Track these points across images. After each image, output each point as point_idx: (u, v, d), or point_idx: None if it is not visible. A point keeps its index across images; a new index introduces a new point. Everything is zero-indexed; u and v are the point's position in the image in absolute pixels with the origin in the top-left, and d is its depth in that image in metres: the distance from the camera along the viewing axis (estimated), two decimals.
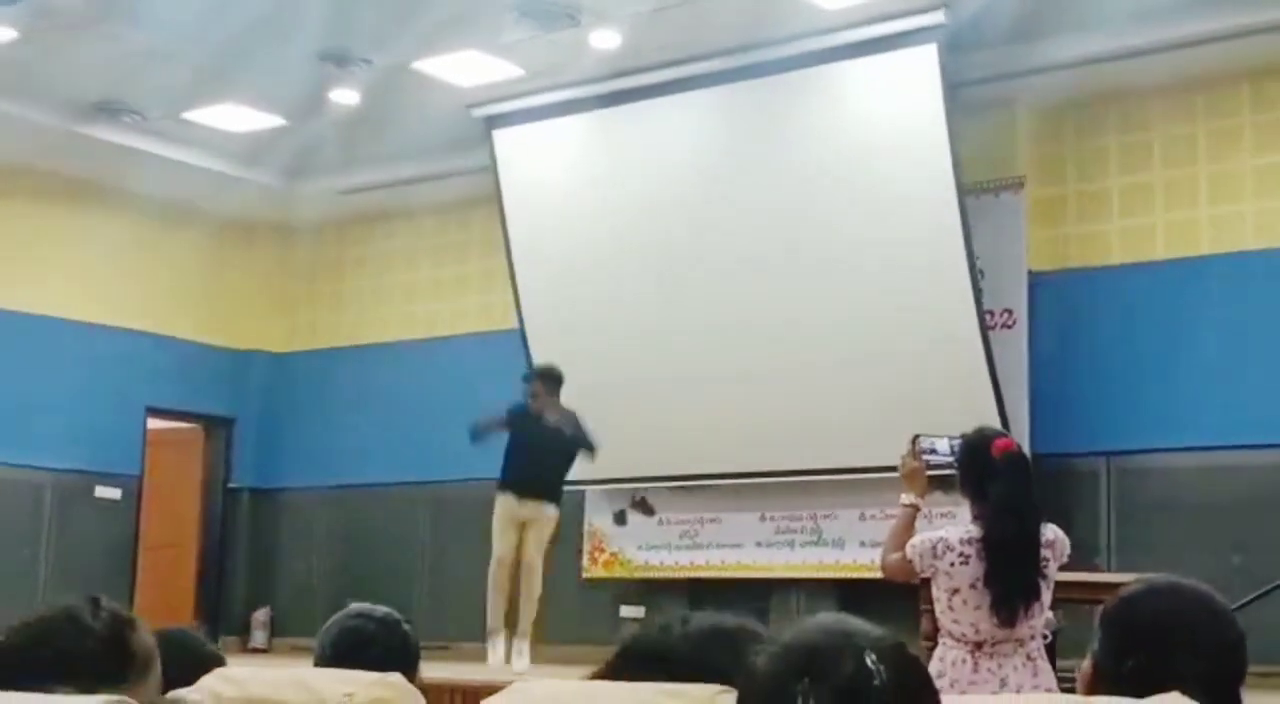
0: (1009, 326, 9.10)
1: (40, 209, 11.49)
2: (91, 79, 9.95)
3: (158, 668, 1.92)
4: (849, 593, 9.64)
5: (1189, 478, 8.90)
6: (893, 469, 9.47)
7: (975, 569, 3.91)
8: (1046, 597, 4.00)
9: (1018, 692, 3.78)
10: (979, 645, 3.91)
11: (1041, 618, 3.99)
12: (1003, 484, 3.95)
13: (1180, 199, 9.19)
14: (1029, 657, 3.95)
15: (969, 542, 3.94)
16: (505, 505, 8.73)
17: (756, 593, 9.84)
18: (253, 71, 9.70)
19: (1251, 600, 6.97)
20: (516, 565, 8.71)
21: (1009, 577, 3.89)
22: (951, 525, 4.04)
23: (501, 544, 8.70)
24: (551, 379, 8.80)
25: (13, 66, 9.67)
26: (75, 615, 1.90)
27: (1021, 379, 8.99)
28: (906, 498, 4.28)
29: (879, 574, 9.90)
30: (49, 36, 9.19)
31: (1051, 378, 9.14)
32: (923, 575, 4.03)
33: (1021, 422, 8.75)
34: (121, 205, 11.48)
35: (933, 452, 4.30)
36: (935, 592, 4.01)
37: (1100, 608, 1.98)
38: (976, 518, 4.00)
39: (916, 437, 4.33)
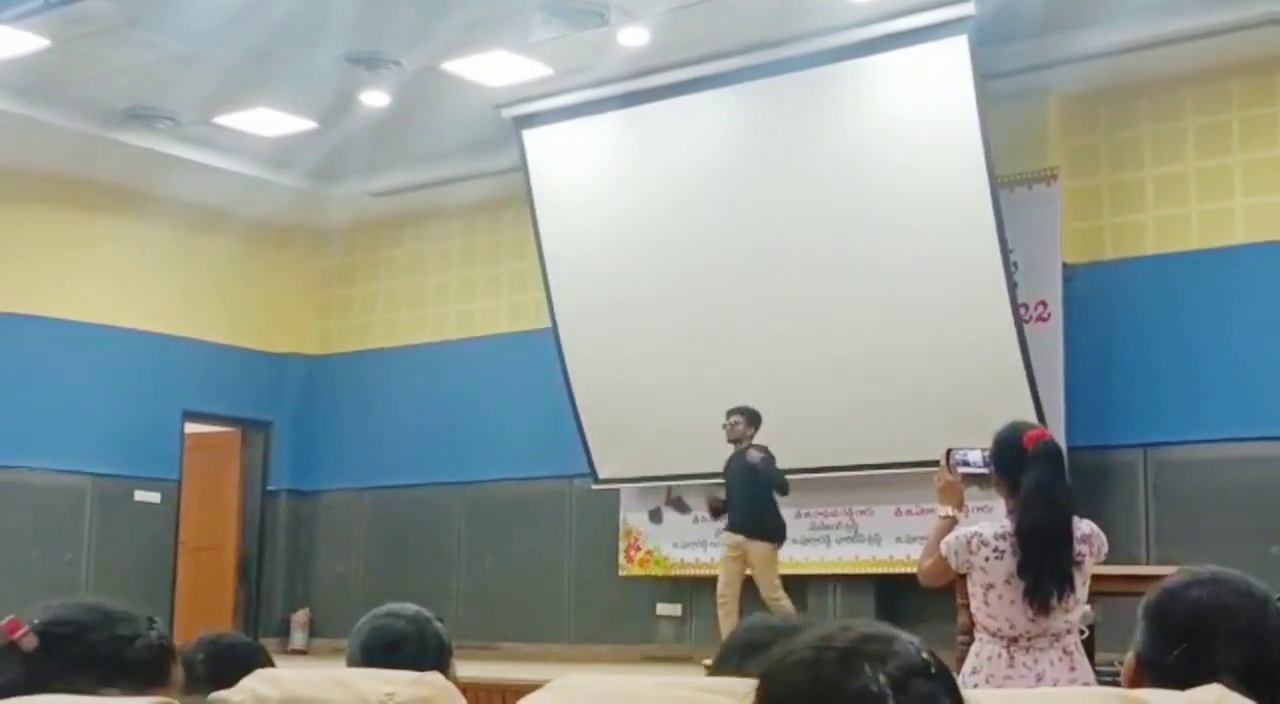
0: (1044, 319, 9.05)
1: (75, 215, 11.58)
2: (123, 86, 10.02)
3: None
4: (886, 588, 9.62)
5: (1226, 469, 8.83)
6: (928, 464, 9.41)
7: (1010, 564, 3.89)
8: (1082, 591, 3.98)
9: (1054, 686, 3.76)
10: (1014, 640, 3.90)
11: (1078, 611, 3.97)
12: (1034, 473, 3.94)
13: (1215, 188, 9.12)
14: (1065, 651, 3.93)
15: (1003, 536, 3.92)
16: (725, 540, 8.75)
17: (793, 589, 9.81)
18: (283, 75, 9.74)
19: None
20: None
21: (1042, 566, 3.87)
22: (986, 520, 4.02)
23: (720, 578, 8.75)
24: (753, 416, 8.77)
25: (45, 74, 9.75)
26: (131, 619, 1.93)
27: (1057, 372, 8.95)
28: (943, 511, 4.27)
29: (914, 570, 9.84)
30: (81, 44, 9.26)
31: (1087, 370, 9.09)
32: (959, 572, 4.01)
33: (1057, 414, 8.70)
34: (155, 211, 11.55)
35: (965, 464, 4.28)
36: (971, 587, 4.00)
37: (1142, 600, 1.97)
38: (1011, 511, 3.99)
39: (950, 450, 4.31)
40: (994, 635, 3.93)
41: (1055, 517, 3.93)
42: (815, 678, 1.27)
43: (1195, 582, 1.92)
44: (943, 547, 4.02)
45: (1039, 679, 3.84)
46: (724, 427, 8.67)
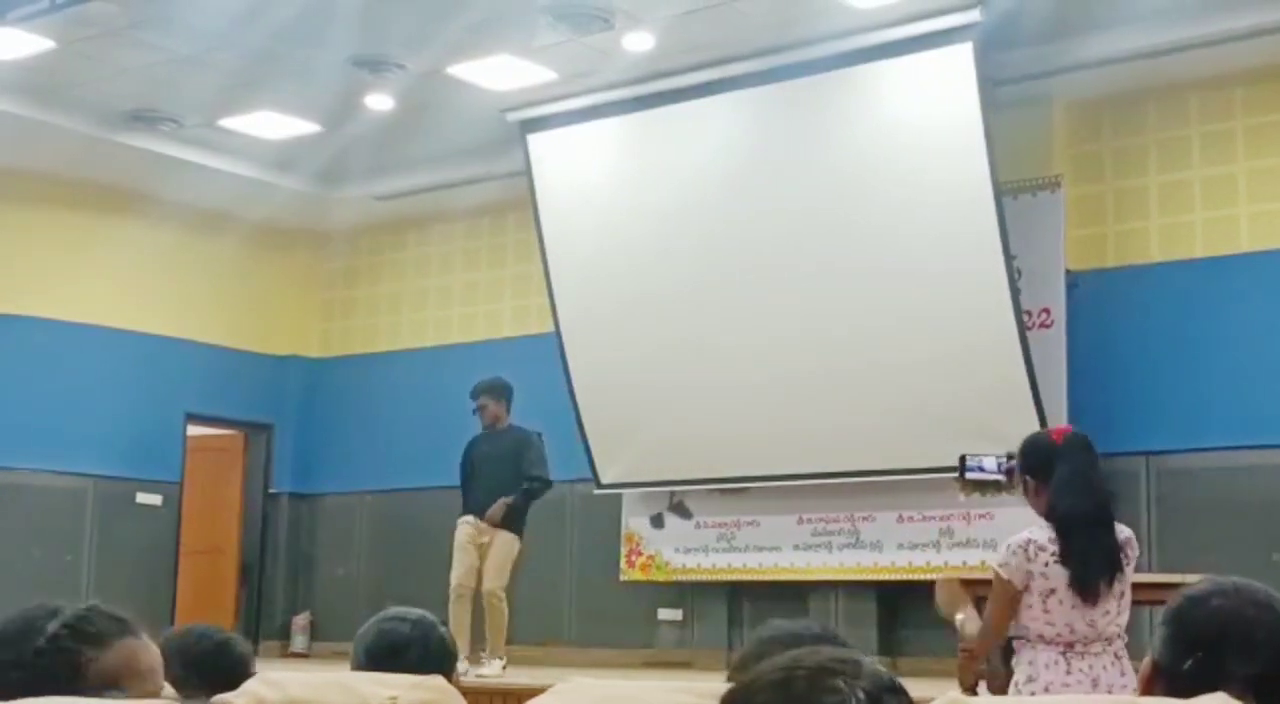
0: (1047, 327, 9.04)
1: (78, 217, 11.59)
2: (127, 88, 10.02)
3: None
4: (888, 595, 9.61)
5: (1229, 477, 8.82)
6: (931, 470, 9.42)
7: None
8: (1128, 597, 3.95)
9: (1109, 692, 3.73)
10: (1071, 646, 3.85)
11: (1127, 615, 3.93)
12: (1067, 462, 3.91)
13: (1219, 196, 9.11)
14: (1116, 656, 3.91)
15: (1056, 540, 3.88)
16: None
17: (794, 595, 9.82)
18: (287, 78, 9.75)
19: None
20: None
21: (1086, 552, 3.82)
22: (1038, 527, 3.96)
23: None
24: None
25: (50, 76, 9.76)
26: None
27: (1060, 379, 8.94)
28: (960, 621, 4.18)
29: (916, 576, 9.86)
30: (85, 46, 9.26)
31: (1090, 378, 9.08)
32: (1021, 589, 3.88)
33: (1060, 421, 8.66)
34: (158, 213, 11.55)
35: (980, 469, 4.27)
36: (1028, 598, 3.89)
37: (1164, 606, 1.96)
38: (1048, 507, 3.94)
39: (964, 456, 4.28)
40: (1050, 642, 3.87)
41: (1092, 500, 3.89)
42: (788, 697, 1.27)
43: (1217, 591, 1.91)
44: (1001, 571, 3.88)
45: (1095, 684, 3.81)
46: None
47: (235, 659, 2.59)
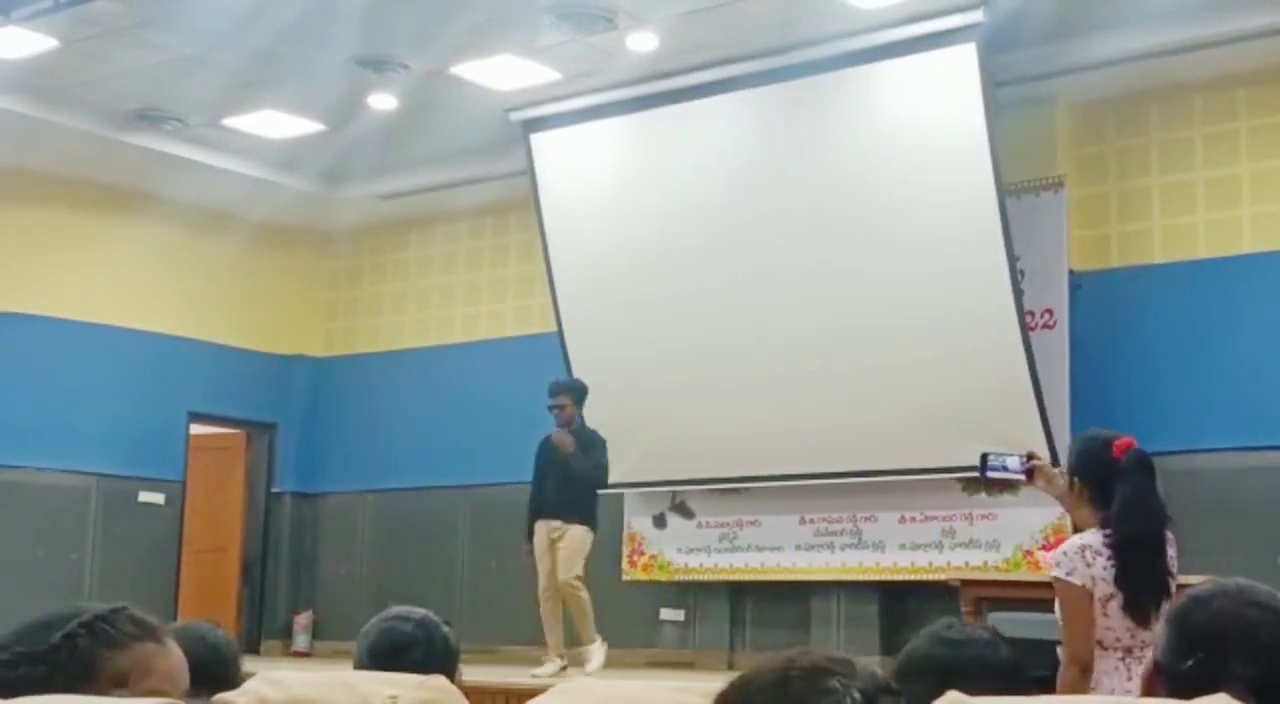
0: (1050, 327, 9.04)
1: (82, 216, 11.60)
2: (131, 87, 10.03)
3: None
4: (890, 595, 9.61)
5: (1233, 478, 8.82)
6: (933, 471, 9.41)
7: None
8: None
9: None
10: (1129, 651, 3.81)
11: None
12: (1128, 483, 3.87)
13: (1222, 197, 9.11)
14: None
15: (1109, 546, 3.84)
16: None
17: (796, 595, 9.82)
18: (291, 78, 9.75)
19: None
20: None
21: (1140, 576, 3.78)
22: (1090, 532, 3.88)
23: None
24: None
25: (54, 75, 9.76)
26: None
27: (1063, 380, 8.93)
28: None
29: (919, 577, 9.86)
30: (89, 45, 9.27)
31: (1093, 378, 9.07)
32: (1091, 591, 3.80)
33: (1062, 422, 8.69)
34: (162, 212, 11.56)
35: (1003, 469, 4.24)
36: None
37: (1167, 606, 1.97)
38: (1104, 522, 3.89)
39: (985, 454, 4.25)
40: (1109, 648, 3.82)
41: (1153, 526, 3.86)
42: (784, 697, 1.27)
43: (1220, 592, 1.91)
44: (1071, 577, 3.79)
45: None
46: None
47: (224, 659, 2.58)
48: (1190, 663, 1.84)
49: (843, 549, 9.73)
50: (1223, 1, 8.35)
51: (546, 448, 8.87)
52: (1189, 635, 1.88)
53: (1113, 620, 3.80)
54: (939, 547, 9.34)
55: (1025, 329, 8.77)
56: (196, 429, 12.36)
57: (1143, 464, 3.92)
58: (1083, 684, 3.73)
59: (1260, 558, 8.27)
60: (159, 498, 11.90)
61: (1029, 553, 8.92)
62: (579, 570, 8.64)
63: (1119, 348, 9.25)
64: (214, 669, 2.42)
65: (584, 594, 8.63)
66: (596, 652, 8.54)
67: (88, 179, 11.36)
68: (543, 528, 8.73)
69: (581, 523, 8.68)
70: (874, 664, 1.35)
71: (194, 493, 12.26)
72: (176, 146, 10.98)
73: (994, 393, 8.78)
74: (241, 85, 9.93)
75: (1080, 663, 3.78)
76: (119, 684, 1.77)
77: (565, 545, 8.63)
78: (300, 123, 10.68)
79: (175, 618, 11.62)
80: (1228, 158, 9.09)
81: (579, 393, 8.90)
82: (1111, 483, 3.87)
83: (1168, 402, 9.03)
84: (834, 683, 1.27)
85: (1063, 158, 9.47)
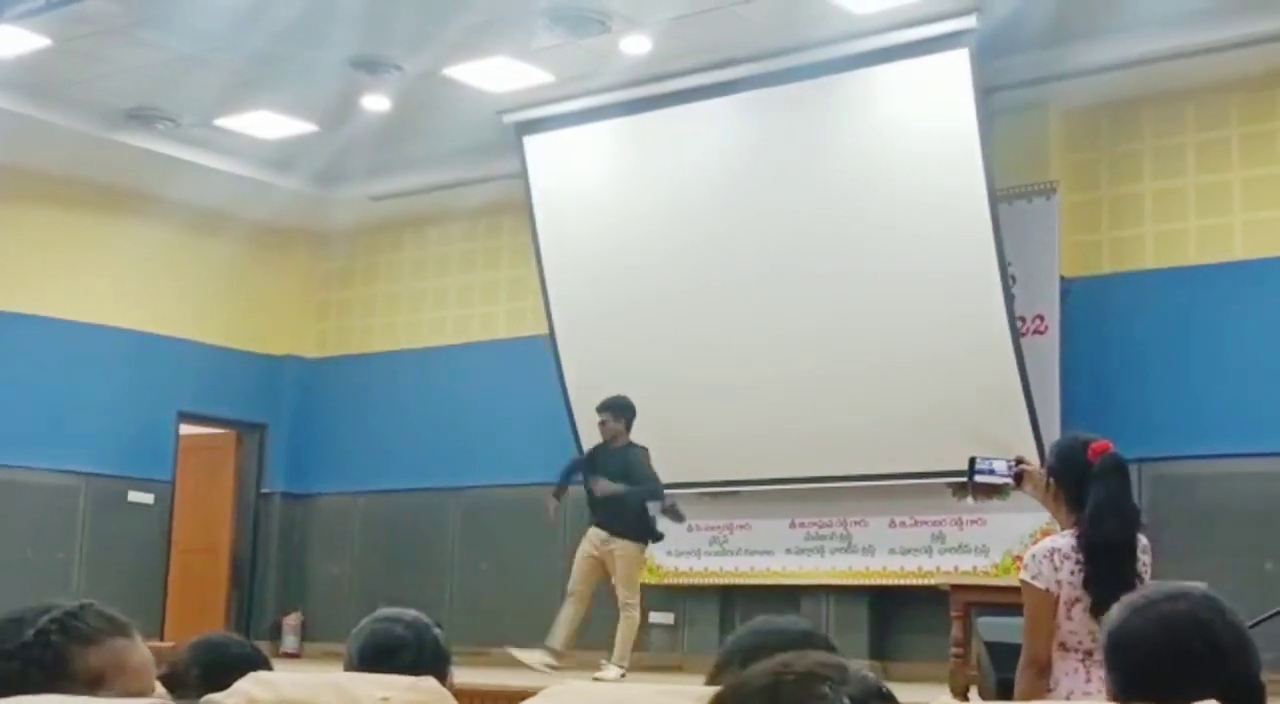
0: (1041, 332, 9.06)
1: (74, 216, 11.58)
2: (125, 86, 10.02)
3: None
4: (880, 600, 9.62)
5: (1222, 484, 8.84)
6: (924, 475, 9.41)
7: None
8: None
9: None
10: (1090, 654, 3.85)
11: None
12: (1102, 486, 3.89)
13: (1214, 204, 9.13)
14: None
15: (1079, 548, 3.87)
16: None
17: (786, 599, 9.82)
18: (285, 78, 9.75)
19: None
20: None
21: (1108, 580, 3.81)
22: (1062, 534, 3.94)
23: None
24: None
25: (46, 74, 9.75)
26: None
27: (1053, 385, 8.95)
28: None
29: (908, 581, 9.87)
30: (82, 44, 9.26)
31: (1084, 384, 9.09)
32: (1056, 596, 3.83)
33: (1053, 428, 8.70)
34: (155, 212, 11.55)
35: (991, 473, 4.24)
36: None
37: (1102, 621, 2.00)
38: (1076, 523, 3.92)
39: (974, 458, 4.26)
40: (1070, 650, 3.86)
41: (1125, 530, 3.89)
42: (774, 701, 1.28)
43: (1134, 611, 1.96)
44: (1035, 582, 3.82)
45: None
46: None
47: (254, 667, 2.58)
48: (1120, 680, 1.91)
49: (833, 553, 9.74)
50: (1215, 9, 8.37)
51: (591, 459, 8.91)
52: (1126, 673, 1.93)
53: (1075, 623, 3.85)
54: (929, 551, 9.35)
55: (1016, 334, 8.78)
56: (186, 429, 12.34)
57: (1117, 468, 3.94)
58: (1040, 684, 3.78)
59: (1248, 564, 8.29)
60: (148, 498, 11.88)
61: (1018, 558, 8.92)
62: (636, 589, 8.71)
63: (1110, 353, 9.27)
64: (253, 668, 2.43)
65: (636, 615, 8.68)
66: (613, 673, 8.52)
67: (79, 178, 11.34)
68: (593, 535, 8.74)
69: (633, 540, 8.70)
70: (865, 668, 1.36)
71: (183, 493, 12.24)
72: (169, 146, 10.97)
73: (984, 398, 8.79)
74: (235, 85, 9.93)
75: (1038, 664, 3.83)
76: (94, 679, 1.78)
77: (622, 566, 8.65)
78: (294, 123, 10.68)
79: (164, 619, 11.61)
80: (1219, 164, 9.11)
81: (621, 411, 8.86)
82: (1085, 485, 3.90)
83: (1158, 407, 9.05)
84: (825, 689, 1.27)
85: (1055, 163, 9.49)
